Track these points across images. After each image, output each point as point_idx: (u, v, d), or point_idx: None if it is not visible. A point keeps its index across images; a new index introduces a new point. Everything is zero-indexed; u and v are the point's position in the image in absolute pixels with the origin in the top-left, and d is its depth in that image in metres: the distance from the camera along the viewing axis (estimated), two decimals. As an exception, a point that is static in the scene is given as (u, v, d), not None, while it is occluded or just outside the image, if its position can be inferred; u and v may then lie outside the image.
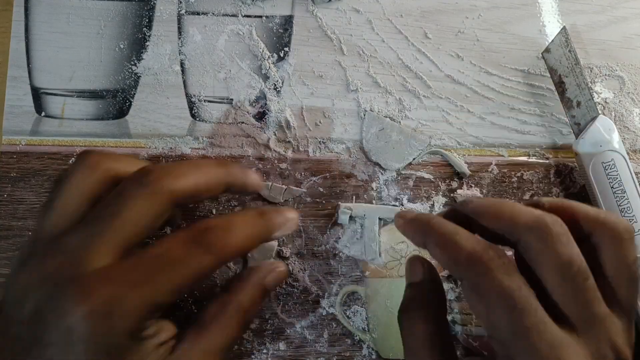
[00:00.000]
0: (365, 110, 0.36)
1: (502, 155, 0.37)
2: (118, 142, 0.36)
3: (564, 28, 0.35)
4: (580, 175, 0.36)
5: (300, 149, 0.36)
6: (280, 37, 0.37)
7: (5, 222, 0.35)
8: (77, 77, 0.36)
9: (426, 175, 0.36)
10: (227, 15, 0.37)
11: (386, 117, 0.36)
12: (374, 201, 0.35)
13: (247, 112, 0.36)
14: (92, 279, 0.21)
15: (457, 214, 0.25)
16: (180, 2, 0.36)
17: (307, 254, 0.35)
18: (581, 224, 0.23)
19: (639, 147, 0.38)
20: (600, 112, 0.35)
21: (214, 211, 0.35)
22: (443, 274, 0.35)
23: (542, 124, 0.37)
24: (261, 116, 0.36)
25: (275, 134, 0.36)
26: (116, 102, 0.36)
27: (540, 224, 0.22)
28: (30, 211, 0.35)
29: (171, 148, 0.35)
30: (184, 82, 0.36)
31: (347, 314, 0.35)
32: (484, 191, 0.36)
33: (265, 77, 0.36)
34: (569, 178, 0.37)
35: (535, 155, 0.37)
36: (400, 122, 0.37)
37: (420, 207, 0.36)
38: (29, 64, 0.36)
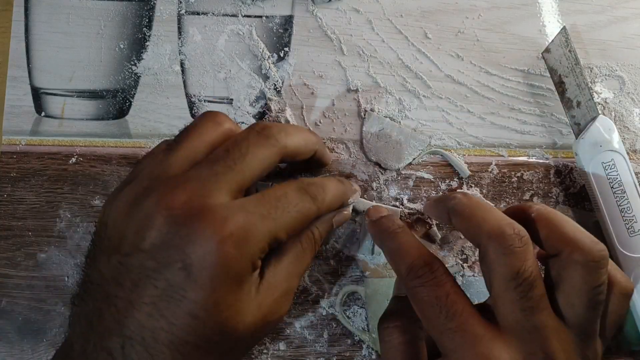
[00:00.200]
0: (365, 110, 0.36)
1: (502, 156, 0.37)
2: (118, 142, 0.36)
3: (564, 28, 0.35)
4: (580, 175, 0.36)
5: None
6: (280, 37, 0.37)
7: (5, 222, 0.35)
8: (77, 77, 0.36)
9: (426, 175, 0.36)
10: (227, 15, 0.37)
11: (386, 117, 0.36)
12: (373, 201, 0.35)
13: (247, 112, 0.36)
14: (227, 208, 0.23)
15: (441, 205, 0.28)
16: (180, 2, 0.36)
17: (307, 254, 0.35)
18: (557, 239, 0.24)
19: (639, 147, 0.38)
20: (600, 112, 0.35)
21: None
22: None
23: (542, 124, 0.37)
24: (261, 116, 0.36)
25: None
26: (116, 102, 0.36)
27: (499, 235, 0.23)
28: (30, 211, 0.35)
29: (171, 148, 0.35)
30: (184, 82, 0.36)
31: (347, 314, 0.35)
32: (484, 191, 0.36)
33: (265, 77, 0.36)
34: (569, 178, 0.37)
35: (535, 156, 0.37)
36: (400, 122, 0.37)
37: (420, 207, 0.36)
38: (29, 64, 0.36)
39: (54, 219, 0.35)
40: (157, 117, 0.36)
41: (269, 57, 0.36)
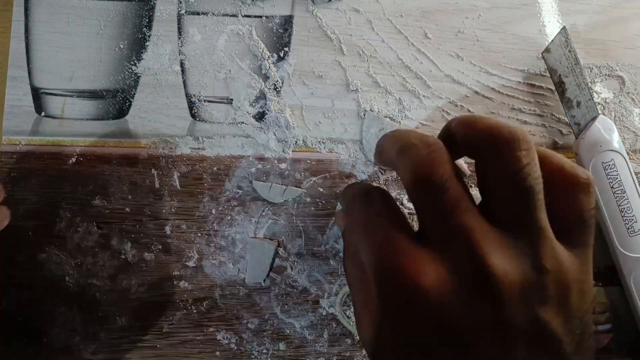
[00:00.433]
0: (365, 110, 0.36)
1: (502, 155, 0.37)
2: (118, 142, 0.36)
3: (564, 28, 0.35)
4: (580, 175, 0.36)
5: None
6: (280, 37, 0.37)
7: (5, 222, 0.35)
8: (77, 77, 0.36)
9: (426, 175, 0.36)
10: (227, 15, 0.37)
11: (386, 117, 0.36)
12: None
13: (247, 112, 0.36)
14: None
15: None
16: (180, 2, 0.36)
17: (307, 254, 0.35)
18: (471, 136, 0.22)
19: (639, 147, 0.38)
20: (600, 112, 0.35)
21: (213, 211, 0.35)
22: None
23: (542, 124, 0.37)
24: (261, 116, 0.36)
25: (275, 134, 0.36)
26: (116, 102, 0.36)
27: (405, 148, 0.22)
28: (30, 211, 0.35)
29: (171, 148, 0.35)
30: (184, 82, 0.36)
31: (347, 314, 0.35)
32: (484, 191, 0.36)
33: (265, 77, 0.36)
34: (569, 178, 0.37)
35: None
36: (400, 122, 0.37)
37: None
38: (29, 64, 0.36)
39: (54, 219, 0.35)
40: (157, 117, 0.36)
41: (269, 57, 0.36)
